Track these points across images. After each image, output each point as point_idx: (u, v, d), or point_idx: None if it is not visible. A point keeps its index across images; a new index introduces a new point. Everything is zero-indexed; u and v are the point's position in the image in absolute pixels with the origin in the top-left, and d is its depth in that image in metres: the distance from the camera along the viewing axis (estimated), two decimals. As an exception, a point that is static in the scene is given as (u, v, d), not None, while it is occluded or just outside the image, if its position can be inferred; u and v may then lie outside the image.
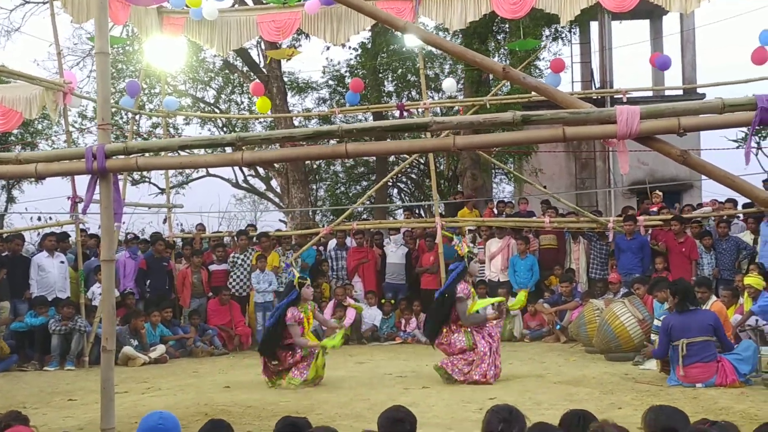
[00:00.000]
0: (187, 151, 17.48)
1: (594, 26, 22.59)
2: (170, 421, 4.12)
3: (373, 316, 14.00)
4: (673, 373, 8.66)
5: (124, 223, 17.44)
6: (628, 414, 7.07)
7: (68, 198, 12.04)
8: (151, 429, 3.95)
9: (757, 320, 10.29)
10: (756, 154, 22.26)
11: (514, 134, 4.66)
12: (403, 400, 7.59)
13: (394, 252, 14.69)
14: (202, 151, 18.21)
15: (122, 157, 4.93)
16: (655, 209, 14.64)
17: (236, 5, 18.99)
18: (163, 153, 4.92)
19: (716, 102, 4.41)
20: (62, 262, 12.54)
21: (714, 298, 10.59)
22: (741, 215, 13.74)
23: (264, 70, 21.16)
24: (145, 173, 24.07)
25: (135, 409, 7.74)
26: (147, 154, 5.01)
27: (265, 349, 9.37)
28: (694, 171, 15.45)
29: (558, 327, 13.09)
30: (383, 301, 14.23)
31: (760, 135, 22.26)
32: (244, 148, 4.73)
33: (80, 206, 11.65)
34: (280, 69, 20.85)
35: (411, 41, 15.22)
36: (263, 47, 20.87)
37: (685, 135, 4.49)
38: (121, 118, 21.01)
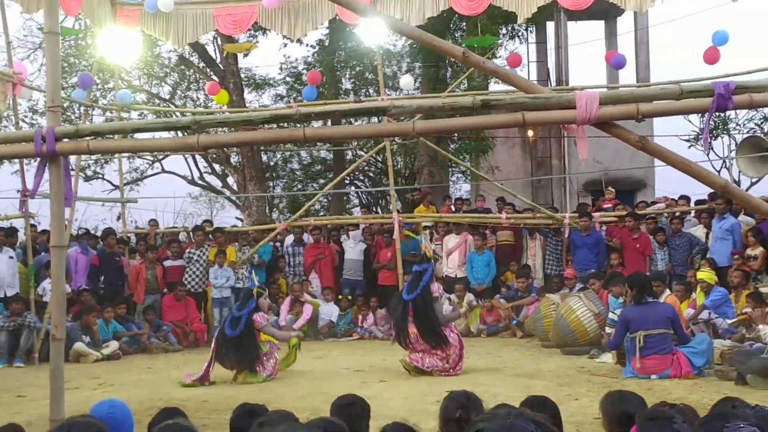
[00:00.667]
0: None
1: (550, 26, 22.79)
2: (120, 410, 3.98)
3: (330, 312, 13.92)
4: (628, 365, 8.74)
5: (76, 219, 17.15)
6: (584, 405, 7.11)
7: (18, 191, 11.76)
8: (101, 419, 3.82)
9: (709, 314, 10.45)
10: (708, 153, 22.70)
11: (474, 119, 4.64)
12: (361, 394, 7.43)
13: (352, 248, 14.63)
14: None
15: (73, 140, 4.80)
16: (609, 205, 14.79)
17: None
18: (116, 137, 4.80)
19: (674, 88, 4.44)
20: (11, 257, 12.22)
21: (668, 292, 10.74)
22: (693, 212, 13.95)
23: (220, 65, 20.94)
24: (98, 170, 23.68)
25: (86, 404, 7.45)
26: (99, 138, 4.88)
27: (250, 365, 9.23)
28: (647, 170, 15.72)
29: (514, 322, 13.14)
30: (340, 297, 14.17)
31: (711, 135, 22.65)
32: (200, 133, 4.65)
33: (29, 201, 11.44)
34: (236, 65, 20.65)
35: (368, 38, 15.17)
36: (219, 42, 20.65)
37: (643, 121, 4.50)
38: (74, 112, 20.61)
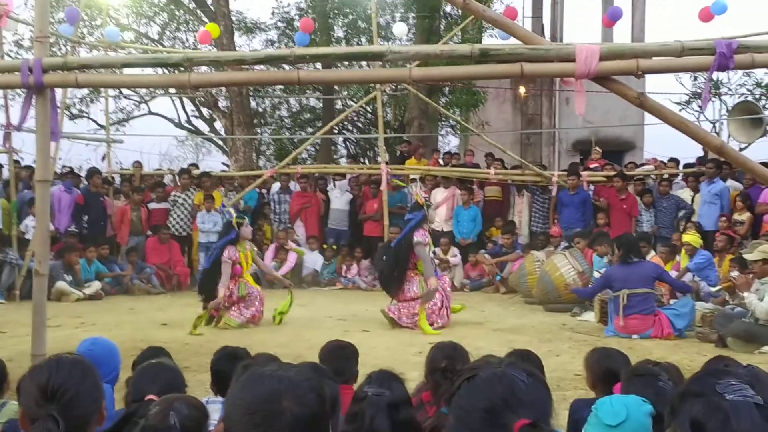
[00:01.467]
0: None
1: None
2: (101, 347, 3.96)
3: (314, 260, 13.92)
4: (610, 324, 8.80)
5: (60, 158, 16.97)
6: (565, 361, 7.17)
7: (1, 126, 11.57)
8: (82, 355, 3.78)
9: (693, 276, 10.51)
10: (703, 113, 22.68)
11: (472, 68, 4.55)
12: (344, 342, 7.56)
13: (339, 198, 14.58)
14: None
15: (61, 72, 4.68)
16: (596, 165, 14.77)
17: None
18: (104, 71, 4.68)
19: (675, 45, 4.36)
20: (-7, 193, 12.12)
21: (653, 253, 10.79)
22: (681, 175, 13.96)
23: (211, 7, 20.54)
24: (83, 108, 23.36)
25: (68, 342, 7.51)
26: (88, 71, 4.76)
27: (204, 289, 9.26)
28: (637, 132, 15.68)
29: (498, 278, 13.19)
30: (325, 246, 14.14)
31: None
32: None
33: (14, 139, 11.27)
34: (228, 7, 20.25)
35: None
36: (211, -18, 20.26)
37: (642, 77, 4.44)
38: (59, 49, 20.22)
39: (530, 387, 1.54)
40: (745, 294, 8.13)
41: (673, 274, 10.65)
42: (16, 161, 12.65)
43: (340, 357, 3.94)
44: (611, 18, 13.08)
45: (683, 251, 10.97)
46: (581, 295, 9.50)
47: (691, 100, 24.20)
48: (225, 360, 3.88)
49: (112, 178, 14.38)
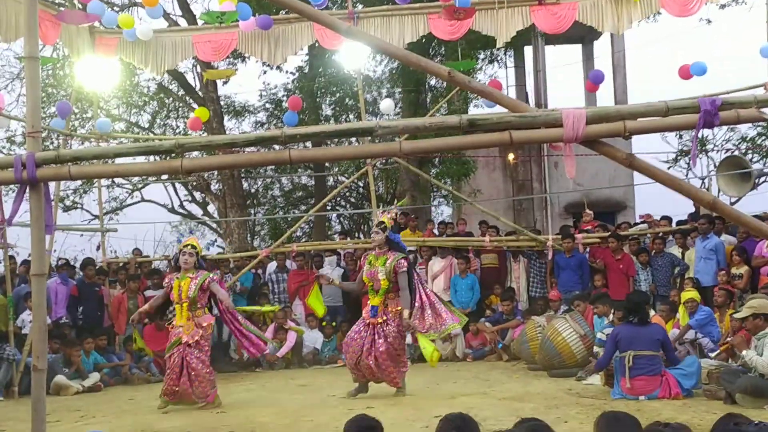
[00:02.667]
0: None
1: (528, 50, 22.99)
2: None
3: (314, 339, 13.79)
4: (617, 386, 8.68)
5: (55, 250, 16.94)
6: (574, 427, 7.05)
7: (-5, 222, 11.56)
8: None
9: (695, 333, 10.45)
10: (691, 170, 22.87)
11: (461, 139, 4.61)
12: (348, 420, 7.43)
13: (330, 274, 14.49)
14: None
15: (54, 166, 4.71)
16: (588, 228, 14.82)
17: (171, 26, 18.73)
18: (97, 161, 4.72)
19: (660, 105, 4.43)
20: (-12, 288, 12.03)
21: (652, 312, 10.73)
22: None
23: (200, 93, 20.89)
24: (77, 199, 23.49)
25: (67, 437, 7.42)
26: (80, 163, 4.79)
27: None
28: (627, 192, 15.81)
29: (500, 345, 13.08)
30: (324, 323, 14.03)
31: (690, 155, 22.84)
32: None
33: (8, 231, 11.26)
34: (216, 92, 20.61)
35: (348, 63, 15.19)
36: (199, 70, 20.60)
37: (630, 138, 4.50)
38: (52, 142, 20.44)
39: None
40: (744, 352, 8.07)
41: (675, 332, 10.59)
42: (11, 257, 12.63)
43: None
44: (594, 81, 13.33)
45: (682, 308, 10.93)
46: (599, 366, 9.37)
47: (678, 157, 24.49)
48: None
49: (108, 266, 14.34)
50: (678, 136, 24.70)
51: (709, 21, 20.45)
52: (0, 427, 8.42)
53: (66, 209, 22.95)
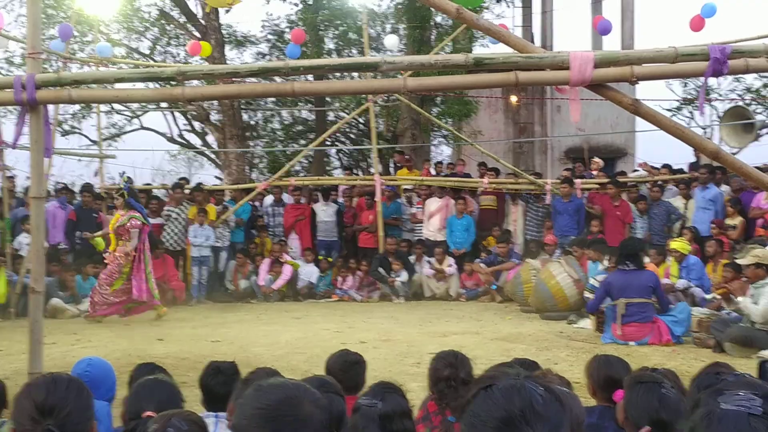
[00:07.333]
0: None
1: (536, -10, 22.61)
2: (97, 368, 3.93)
3: (309, 273, 13.87)
4: (608, 331, 8.78)
5: (53, 174, 16.89)
6: (564, 369, 7.12)
7: (-6, 143, 11.50)
8: (78, 377, 3.75)
9: (688, 282, 10.48)
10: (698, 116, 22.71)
11: (466, 77, 4.56)
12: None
13: (324, 210, 14.52)
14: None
15: (54, 88, 4.65)
16: (593, 172, 14.79)
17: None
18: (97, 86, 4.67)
19: (669, 51, 4.37)
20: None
21: (647, 259, 10.76)
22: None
23: (202, 21, 20.54)
24: (75, 124, 23.32)
25: (64, 359, 7.49)
26: (80, 86, 4.73)
27: None
28: (628, 139, 15.70)
29: (494, 287, 13.17)
30: (320, 258, 14.10)
31: (693, 104, 22.73)
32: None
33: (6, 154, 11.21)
34: (218, 20, 20.27)
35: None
36: (202, -4, 20.24)
37: (637, 83, 4.44)
38: (51, 65, 20.18)
39: (547, 401, 1.53)
40: (740, 299, 8.13)
41: (665, 280, 10.63)
42: (9, 177, 12.59)
43: (357, 372, 3.97)
44: (601, 32, 13.13)
45: (672, 258, 10.94)
46: (589, 310, 9.46)
47: (682, 106, 24.31)
48: (211, 375, 3.82)
49: (105, 193, 14.32)
50: (683, 84, 24.49)
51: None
52: (-3, 347, 8.51)
53: (64, 133, 22.80)
